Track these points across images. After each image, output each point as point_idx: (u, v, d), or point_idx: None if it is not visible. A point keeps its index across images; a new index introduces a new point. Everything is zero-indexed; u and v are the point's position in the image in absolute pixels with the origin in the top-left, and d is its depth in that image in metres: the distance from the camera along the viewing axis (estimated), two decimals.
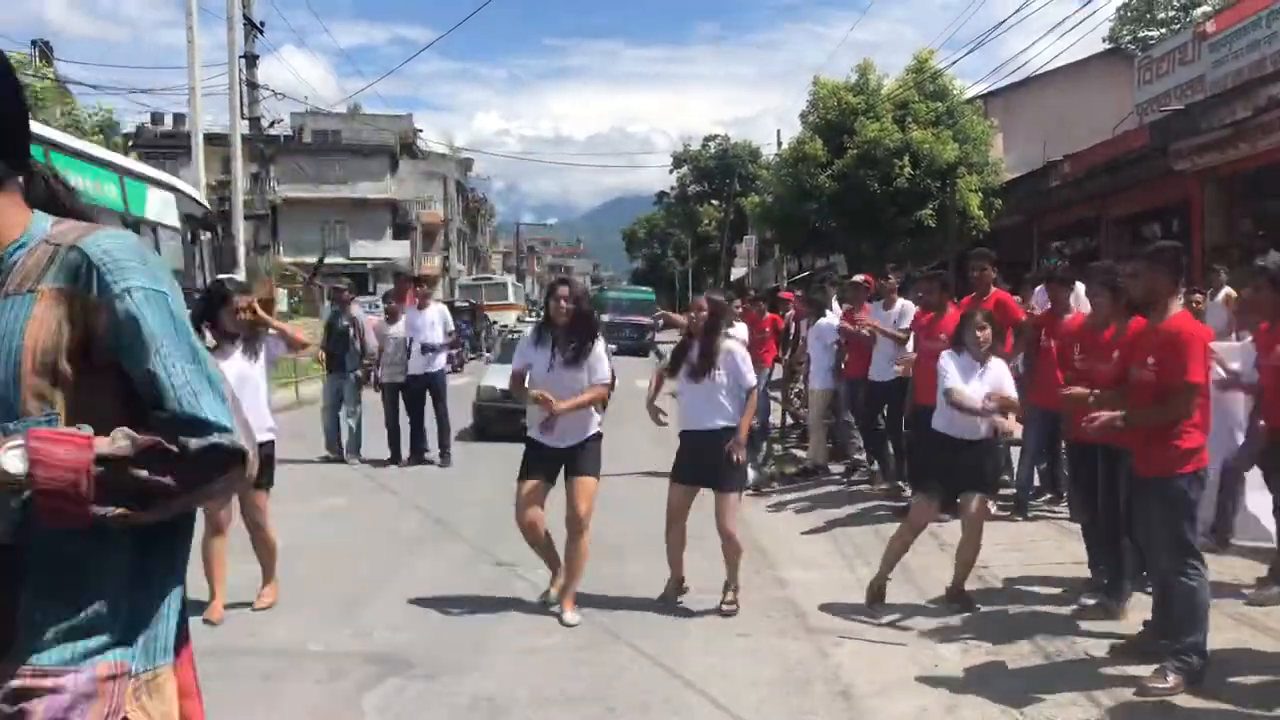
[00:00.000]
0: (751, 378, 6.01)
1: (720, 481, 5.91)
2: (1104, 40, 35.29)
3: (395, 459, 11.58)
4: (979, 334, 5.93)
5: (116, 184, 10.39)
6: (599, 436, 5.95)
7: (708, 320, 5.99)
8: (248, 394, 5.50)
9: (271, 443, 5.83)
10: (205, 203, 13.41)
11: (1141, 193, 18.20)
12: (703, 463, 5.93)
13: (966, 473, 5.85)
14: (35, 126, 8.42)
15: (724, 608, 5.88)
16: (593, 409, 5.88)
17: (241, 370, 5.61)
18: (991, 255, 8.60)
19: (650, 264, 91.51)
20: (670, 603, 6.08)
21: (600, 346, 5.91)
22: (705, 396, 5.91)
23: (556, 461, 5.85)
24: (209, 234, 12.79)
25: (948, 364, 5.92)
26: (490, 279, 50.55)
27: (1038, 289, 9.13)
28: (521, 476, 5.87)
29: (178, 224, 11.69)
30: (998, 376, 5.93)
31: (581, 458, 5.85)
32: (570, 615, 5.72)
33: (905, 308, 9.33)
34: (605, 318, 38.95)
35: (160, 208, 11.31)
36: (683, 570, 6.17)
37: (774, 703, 4.58)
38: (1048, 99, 25.90)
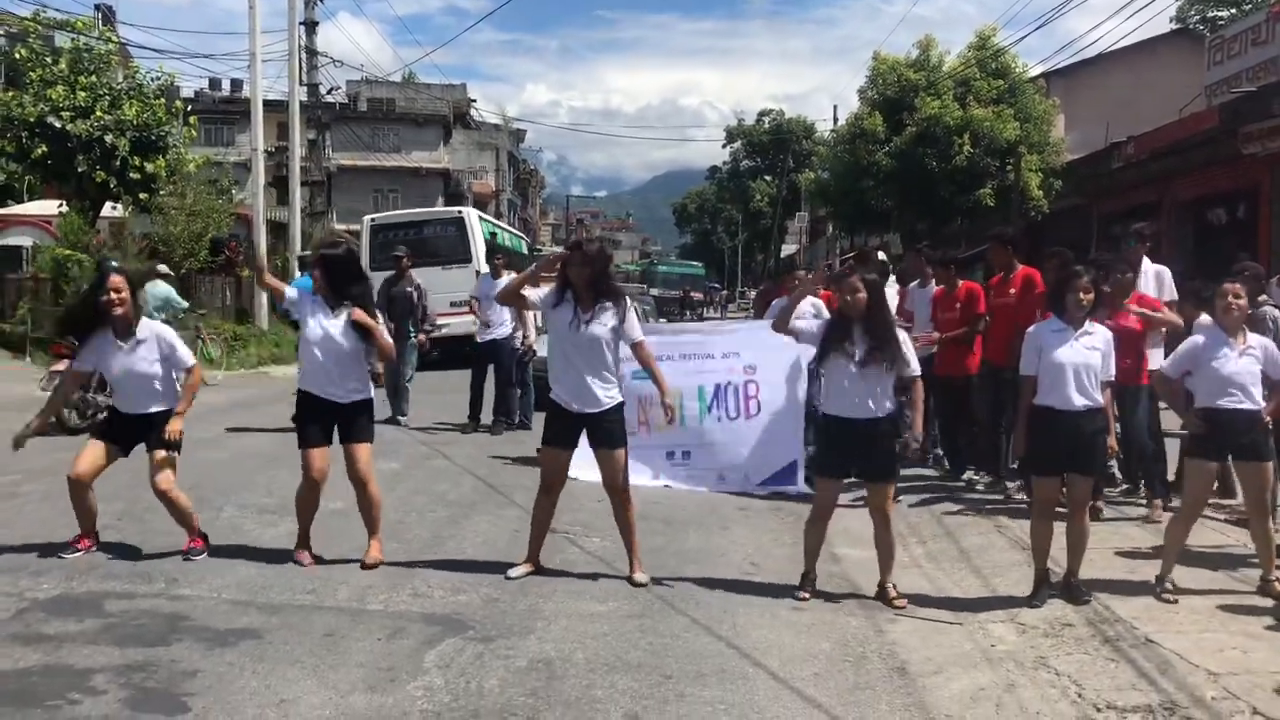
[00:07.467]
0: (914, 366, 5.66)
1: (880, 472, 5.65)
2: (1171, 20, 34.51)
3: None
4: (1081, 296, 5.54)
5: (519, 241, 29.64)
6: (621, 407, 5.83)
7: (870, 300, 5.52)
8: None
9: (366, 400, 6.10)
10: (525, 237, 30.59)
11: (1207, 176, 17.84)
12: (857, 452, 5.59)
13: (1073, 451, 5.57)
14: (489, 218, 26.88)
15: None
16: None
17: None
18: (1006, 234, 8.88)
19: (700, 239, 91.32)
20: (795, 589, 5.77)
21: (630, 311, 5.82)
22: (873, 382, 5.50)
23: (577, 427, 5.79)
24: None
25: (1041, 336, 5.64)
26: (540, 251, 50.67)
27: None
28: (544, 441, 5.87)
29: (526, 251, 27.35)
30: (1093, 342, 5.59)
31: (604, 430, 5.75)
32: (640, 575, 5.81)
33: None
34: (654, 292, 38.83)
35: (521, 245, 29.56)
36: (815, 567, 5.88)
37: (830, 676, 4.58)
38: (1112, 79, 25.38)
